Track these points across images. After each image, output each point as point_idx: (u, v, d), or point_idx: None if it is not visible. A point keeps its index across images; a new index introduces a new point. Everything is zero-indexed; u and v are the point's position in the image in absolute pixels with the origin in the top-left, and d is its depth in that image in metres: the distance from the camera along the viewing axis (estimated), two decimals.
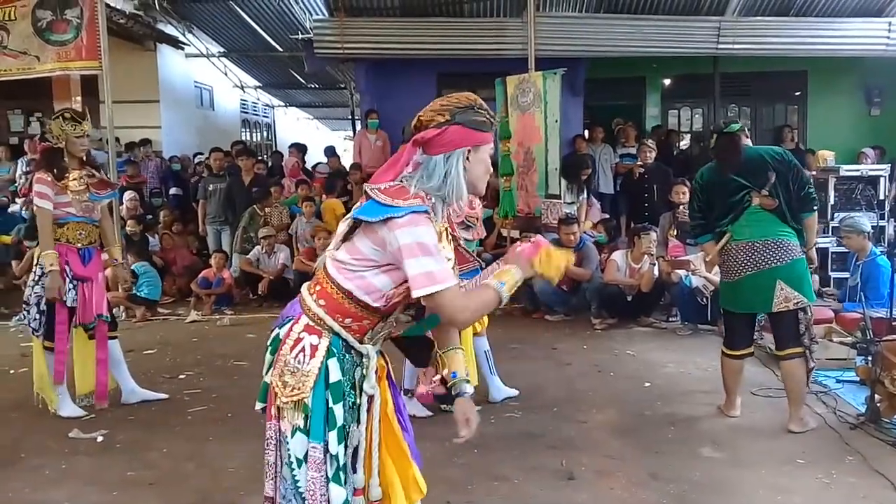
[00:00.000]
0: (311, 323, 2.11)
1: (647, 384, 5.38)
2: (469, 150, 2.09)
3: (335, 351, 2.10)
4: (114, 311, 5.38)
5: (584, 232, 8.13)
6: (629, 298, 7.29)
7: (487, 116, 2.13)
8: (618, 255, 7.48)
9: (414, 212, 1.98)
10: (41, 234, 4.78)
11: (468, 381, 2.31)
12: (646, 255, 7.25)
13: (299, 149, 12.13)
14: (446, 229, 2.18)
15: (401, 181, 2.07)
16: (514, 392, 5.04)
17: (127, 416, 4.91)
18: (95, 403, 4.97)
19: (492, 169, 2.21)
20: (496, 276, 2.11)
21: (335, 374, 2.09)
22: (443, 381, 2.31)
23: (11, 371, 5.66)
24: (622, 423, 4.61)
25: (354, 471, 2.17)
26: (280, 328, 2.18)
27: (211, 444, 4.35)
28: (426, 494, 2.31)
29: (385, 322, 2.19)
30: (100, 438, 4.49)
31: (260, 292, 8.75)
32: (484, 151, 2.13)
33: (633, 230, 7.75)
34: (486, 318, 4.89)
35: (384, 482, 2.20)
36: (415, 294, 1.99)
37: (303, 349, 2.10)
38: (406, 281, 2.02)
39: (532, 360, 6.09)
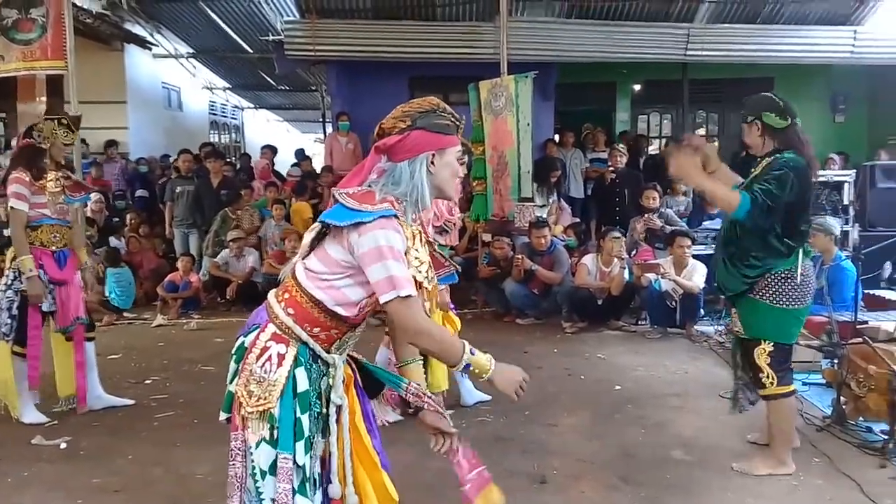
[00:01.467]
0: (279, 331, 2.09)
1: (618, 387, 5.40)
2: (433, 154, 2.08)
3: (302, 360, 2.07)
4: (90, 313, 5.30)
5: (555, 236, 8.16)
6: (599, 302, 7.32)
7: (452, 119, 2.12)
8: (588, 259, 7.52)
9: (383, 216, 1.97)
10: (15, 238, 4.68)
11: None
12: (616, 259, 7.29)
13: (272, 151, 12.02)
14: (420, 233, 2.16)
15: (369, 186, 2.06)
16: (485, 396, 5.03)
17: (92, 422, 4.81)
18: (78, 407, 4.90)
19: (462, 172, 2.20)
20: (479, 351, 2.11)
21: (303, 384, 2.06)
22: (404, 401, 2.30)
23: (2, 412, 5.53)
24: (593, 426, 4.62)
25: (330, 481, 2.15)
26: (245, 336, 2.15)
27: (178, 450, 4.28)
28: (400, 501, 2.29)
29: (353, 332, 2.17)
30: (63, 445, 4.40)
31: (228, 296, 8.66)
32: (449, 154, 2.12)
33: (601, 234, 7.81)
34: (458, 322, 4.87)
35: (359, 490, 2.18)
36: (381, 300, 1.97)
37: (269, 358, 2.07)
38: None
39: (503, 364, 6.06)
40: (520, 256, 7.51)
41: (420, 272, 2.05)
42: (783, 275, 3.65)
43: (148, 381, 5.77)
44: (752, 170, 3.81)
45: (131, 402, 5.15)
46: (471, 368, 2.05)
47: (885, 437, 4.00)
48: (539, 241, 7.56)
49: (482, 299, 8.20)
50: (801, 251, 3.68)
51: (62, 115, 5.02)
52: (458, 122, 2.15)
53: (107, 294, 8.21)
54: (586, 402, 5.06)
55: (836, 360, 4.54)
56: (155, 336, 7.49)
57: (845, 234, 7.17)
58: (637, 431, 4.49)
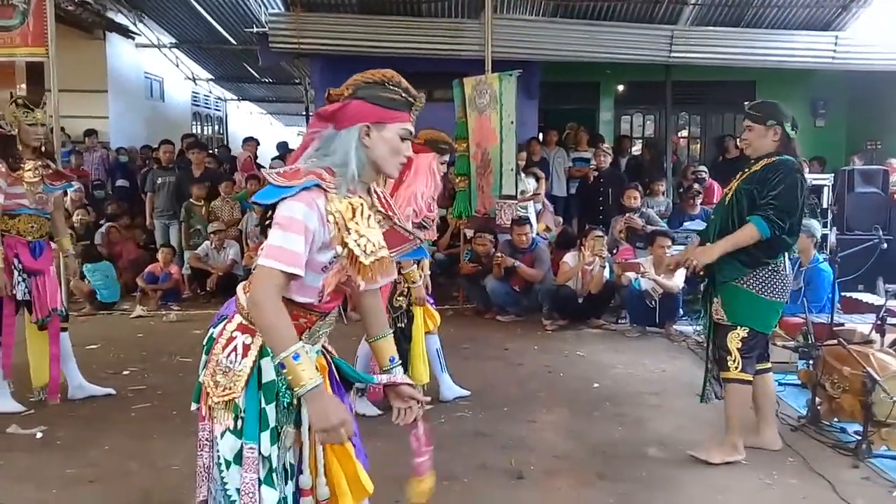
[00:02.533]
0: (245, 322, 2.06)
1: (597, 385, 5.43)
2: (368, 127, 2.01)
3: (268, 350, 2.04)
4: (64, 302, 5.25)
5: (538, 234, 8.19)
6: (580, 300, 7.35)
7: (403, 95, 2.05)
8: (569, 257, 7.55)
9: (304, 188, 1.93)
10: None
11: (401, 367, 2.34)
12: (596, 257, 7.32)
13: (255, 143, 11.93)
14: (362, 205, 2.05)
15: (303, 162, 2.03)
16: (465, 392, 5.05)
17: (68, 412, 4.78)
18: (48, 398, 4.86)
19: (405, 151, 2.08)
20: (313, 369, 1.96)
21: (268, 374, 2.05)
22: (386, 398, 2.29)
23: None
24: (571, 423, 4.65)
25: (301, 472, 2.13)
26: (214, 327, 2.13)
27: (155, 442, 4.25)
28: (375, 493, 2.29)
29: (324, 320, 2.14)
30: (39, 434, 4.37)
31: (209, 288, 8.62)
32: (390, 131, 2.03)
33: (583, 232, 7.84)
34: (437, 316, 4.87)
35: (331, 482, 2.16)
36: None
37: (235, 348, 2.05)
38: (329, 267, 2.00)
39: (483, 360, 6.10)
40: (500, 255, 7.52)
41: (358, 245, 1.97)
42: (772, 268, 3.84)
43: (126, 372, 5.73)
44: (745, 170, 3.98)
45: (112, 391, 5.11)
46: (284, 370, 1.93)
47: (859, 437, 4.05)
48: (520, 239, 7.58)
49: (463, 296, 8.21)
50: (790, 249, 3.90)
51: (17, 97, 4.88)
52: (411, 100, 2.07)
53: (93, 289, 8.13)
54: (565, 400, 5.09)
55: (811, 361, 4.59)
56: (134, 327, 7.44)
57: (824, 237, 7.25)
58: (615, 429, 4.52)
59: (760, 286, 3.84)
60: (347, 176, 2.00)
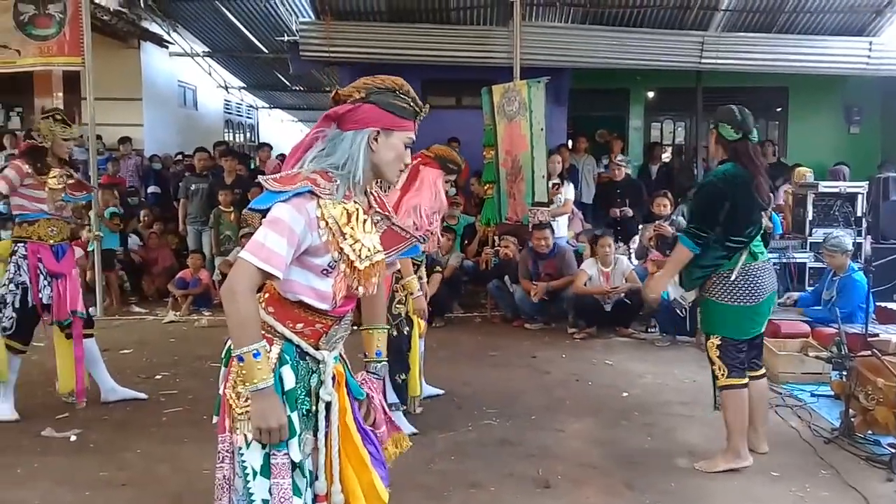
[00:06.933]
0: (262, 331, 2.06)
1: (625, 394, 5.40)
2: (378, 132, 2.05)
3: (288, 358, 2.06)
4: (89, 309, 5.33)
5: (568, 241, 8.16)
6: (608, 309, 7.31)
7: (411, 105, 2.08)
8: (587, 265, 7.49)
9: (297, 194, 1.96)
10: None
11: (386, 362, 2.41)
12: (621, 258, 7.30)
13: (270, 149, 11.89)
14: (373, 210, 2.12)
15: (301, 165, 2.05)
16: (438, 391, 5.21)
17: (101, 415, 4.86)
18: (76, 403, 4.94)
19: (407, 159, 2.13)
20: (267, 367, 1.99)
21: (289, 382, 2.05)
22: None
23: None
24: (599, 432, 4.62)
25: (316, 477, 2.15)
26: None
27: (186, 446, 4.31)
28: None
29: (339, 325, 2.15)
30: (73, 438, 4.45)
31: None
32: (396, 138, 2.07)
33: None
34: (423, 325, 4.81)
35: (345, 489, 2.17)
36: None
37: None
38: (331, 268, 2.02)
39: (511, 368, 6.09)
40: (535, 285, 7.47)
41: (354, 250, 2.00)
42: (724, 275, 3.91)
43: (158, 377, 5.81)
44: None
45: (144, 396, 5.19)
46: (241, 364, 1.96)
47: (893, 450, 3.99)
48: (539, 244, 7.55)
49: (491, 303, 8.21)
50: (742, 253, 3.89)
51: (55, 111, 5.04)
52: (417, 109, 2.10)
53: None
54: (593, 408, 5.06)
55: (844, 373, 4.53)
56: (166, 332, 7.54)
57: (857, 245, 7.14)
58: (643, 439, 4.49)
59: (720, 293, 3.92)
60: (350, 178, 2.03)
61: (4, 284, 4.78)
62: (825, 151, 11.35)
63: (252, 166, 11.25)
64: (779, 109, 12.22)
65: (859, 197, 7.50)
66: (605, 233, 7.76)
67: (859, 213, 7.48)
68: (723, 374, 3.95)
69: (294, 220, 1.95)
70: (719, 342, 3.94)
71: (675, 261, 4.01)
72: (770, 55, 9.99)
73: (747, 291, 3.90)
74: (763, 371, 4.23)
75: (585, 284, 7.33)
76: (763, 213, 4.09)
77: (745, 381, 3.98)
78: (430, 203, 4.19)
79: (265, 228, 1.95)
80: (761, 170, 3.95)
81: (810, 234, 7.46)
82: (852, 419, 4.37)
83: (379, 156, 2.06)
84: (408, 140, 2.10)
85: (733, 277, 3.88)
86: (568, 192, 8.44)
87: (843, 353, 4.67)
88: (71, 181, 4.91)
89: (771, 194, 4.14)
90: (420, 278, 4.65)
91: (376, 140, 2.05)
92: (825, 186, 7.67)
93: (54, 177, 4.77)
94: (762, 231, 4.06)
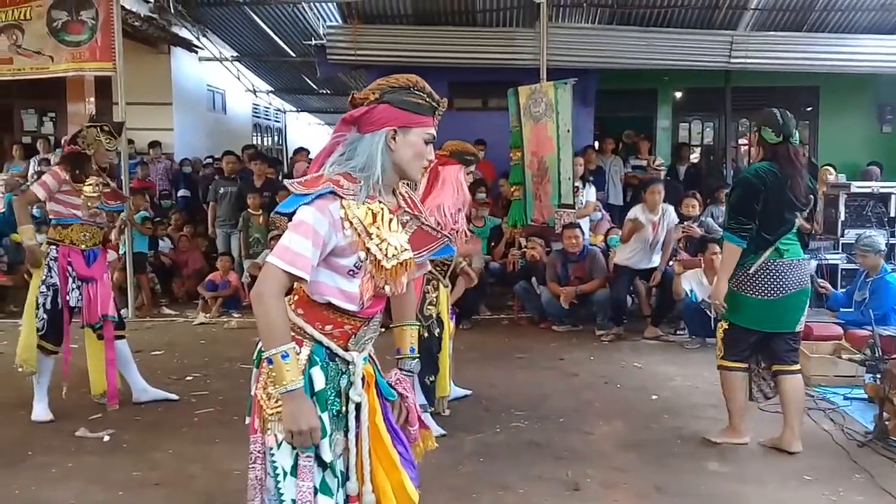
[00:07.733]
0: (291, 332, 2.06)
1: (654, 397, 5.36)
2: (395, 131, 2.04)
3: (317, 360, 2.07)
4: (121, 311, 5.40)
5: (593, 244, 8.13)
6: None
7: (427, 100, 2.08)
8: (636, 210, 7.42)
9: (319, 195, 1.97)
10: (17, 211, 4.89)
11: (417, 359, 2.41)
12: (669, 208, 7.42)
13: (307, 153, 12.06)
14: (402, 209, 2.13)
15: (324, 170, 2.06)
16: (467, 392, 5.23)
17: (133, 416, 4.92)
18: (108, 405, 5.01)
19: (430, 155, 2.12)
20: (297, 370, 2.00)
21: (319, 383, 2.07)
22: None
23: (20, 369, 5.67)
24: (628, 435, 4.60)
25: (348, 478, 2.15)
26: None
27: (217, 447, 4.35)
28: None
29: (368, 326, 2.16)
30: (106, 438, 4.51)
31: None
32: (415, 134, 2.06)
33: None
34: (452, 326, 4.86)
35: (377, 489, 2.18)
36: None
37: None
38: (357, 269, 2.03)
39: (539, 371, 6.08)
40: (564, 291, 7.45)
41: (380, 249, 2.00)
42: (746, 267, 4.09)
43: (189, 378, 5.87)
44: None
45: (176, 397, 5.26)
46: (270, 366, 1.98)
47: None
48: (570, 242, 7.51)
49: (518, 305, 8.20)
50: (766, 250, 4.05)
51: (105, 122, 5.12)
52: (434, 105, 2.09)
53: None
54: (622, 411, 5.03)
55: (878, 375, 4.47)
56: (196, 334, 7.62)
57: (891, 246, 7.03)
58: (673, 442, 4.46)
59: (739, 284, 4.13)
60: (371, 180, 2.03)
61: (39, 286, 4.86)
62: (857, 151, 11.20)
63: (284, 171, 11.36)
64: (809, 109, 12.06)
65: (892, 197, 7.39)
66: (657, 180, 7.72)
67: (892, 214, 7.37)
68: (720, 356, 4.26)
69: (318, 222, 1.97)
70: (727, 326, 4.20)
71: (726, 261, 4.14)
72: (800, 54, 9.86)
73: (767, 286, 4.06)
74: (797, 367, 4.21)
75: (633, 231, 7.35)
76: (798, 213, 4.09)
77: (743, 366, 4.23)
78: (453, 200, 4.20)
79: (290, 232, 1.97)
80: (800, 170, 4.06)
81: (842, 235, 7.37)
82: (886, 422, 4.30)
83: (398, 154, 2.06)
84: (427, 136, 2.09)
85: (752, 271, 4.06)
86: (588, 194, 8.41)
87: (876, 355, 4.62)
88: (107, 190, 4.99)
89: (811, 196, 4.16)
90: (446, 286, 4.68)
91: (394, 139, 2.05)
92: (857, 186, 7.57)
93: (90, 184, 4.84)
94: (796, 231, 4.11)
